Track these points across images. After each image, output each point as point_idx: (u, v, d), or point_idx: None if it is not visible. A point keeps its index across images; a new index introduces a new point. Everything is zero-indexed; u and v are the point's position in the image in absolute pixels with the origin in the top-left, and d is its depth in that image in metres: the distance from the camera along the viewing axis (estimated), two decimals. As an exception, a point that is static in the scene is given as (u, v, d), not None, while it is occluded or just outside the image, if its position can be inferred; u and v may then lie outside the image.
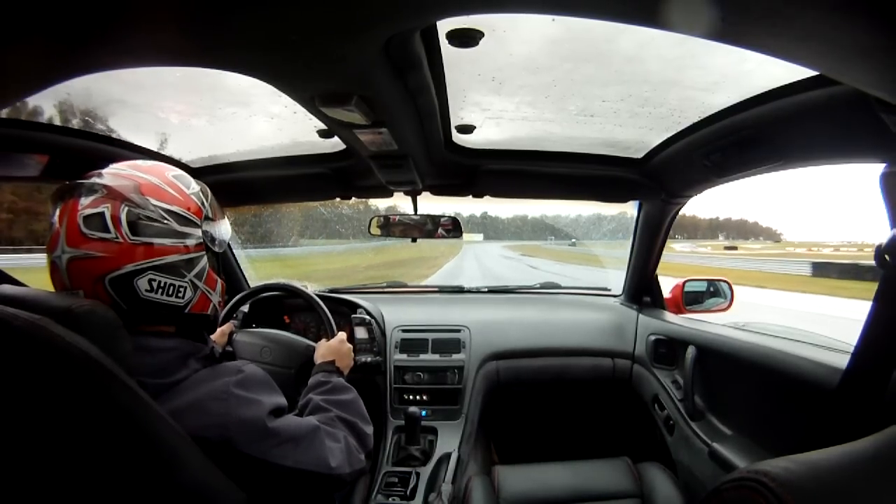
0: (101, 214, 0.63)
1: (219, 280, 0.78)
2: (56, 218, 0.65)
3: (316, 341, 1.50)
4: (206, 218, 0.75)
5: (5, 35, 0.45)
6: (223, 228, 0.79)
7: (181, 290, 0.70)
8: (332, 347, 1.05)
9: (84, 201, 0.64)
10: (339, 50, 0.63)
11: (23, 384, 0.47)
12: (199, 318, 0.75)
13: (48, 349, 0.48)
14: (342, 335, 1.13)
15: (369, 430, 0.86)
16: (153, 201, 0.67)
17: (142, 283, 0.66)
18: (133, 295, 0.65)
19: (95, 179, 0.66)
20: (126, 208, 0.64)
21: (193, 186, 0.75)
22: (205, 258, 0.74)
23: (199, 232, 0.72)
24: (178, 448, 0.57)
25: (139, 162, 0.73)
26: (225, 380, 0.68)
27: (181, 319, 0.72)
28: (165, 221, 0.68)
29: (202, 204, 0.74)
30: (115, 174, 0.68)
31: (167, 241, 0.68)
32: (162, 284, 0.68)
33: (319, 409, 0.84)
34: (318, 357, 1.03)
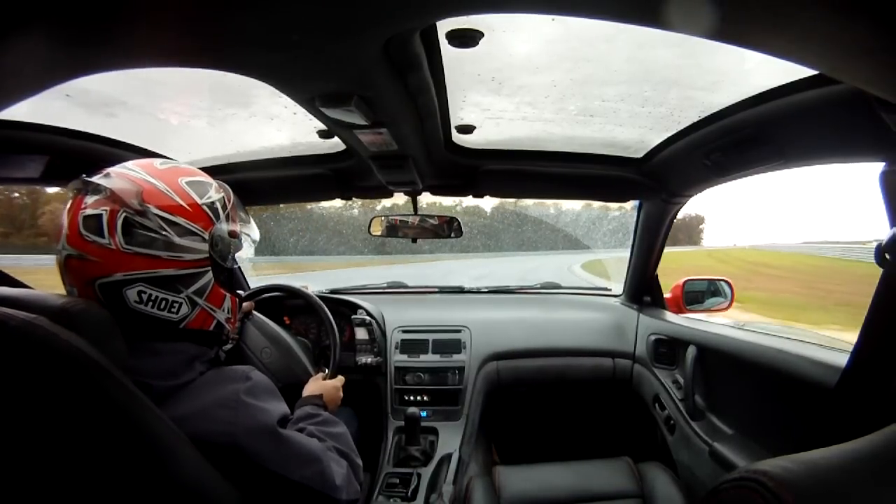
0: (99, 217, 0.62)
1: (227, 296, 0.74)
2: (65, 212, 0.64)
3: (317, 342, 1.51)
4: (219, 231, 0.71)
5: (5, 35, 0.45)
6: (241, 243, 0.75)
7: (175, 305, 0.67)
8: (327, 387, 1.02)
9: (88, 200, 0.63)
10: (340, 50, 0.63)
11: (19, 382, 0.48)
12: (196, 334, 0.71)
13: (44, 348, 0.48)
14: (341, 380, 1.09)
15: (360, 462, 0.85)
16: (154, 209, 0.64)
17: (131, 294, 0.63)
18: (121, 304, 0.63)
19: (102, 181, 0.64)
20: (123, 214, 0.62)
21: (210, 195, 0.70)
22: (209, 274, 0.70)
23: (204, 247, 0.68)
24: (173, 444, 0.57)
25: (156, 162, 0.70)
26: (233, 386, 0.67)
27: (175, 335, 0.68)
28: (164, 233, 0.64)
29: (215, 216, 0.70)
30: (124, 175, 0.66)
31: (162, 254, 0.64)
32: (153, 297, 0.65)
33: (316, 438, 0.81)
34: (308, 390, 1.00)
